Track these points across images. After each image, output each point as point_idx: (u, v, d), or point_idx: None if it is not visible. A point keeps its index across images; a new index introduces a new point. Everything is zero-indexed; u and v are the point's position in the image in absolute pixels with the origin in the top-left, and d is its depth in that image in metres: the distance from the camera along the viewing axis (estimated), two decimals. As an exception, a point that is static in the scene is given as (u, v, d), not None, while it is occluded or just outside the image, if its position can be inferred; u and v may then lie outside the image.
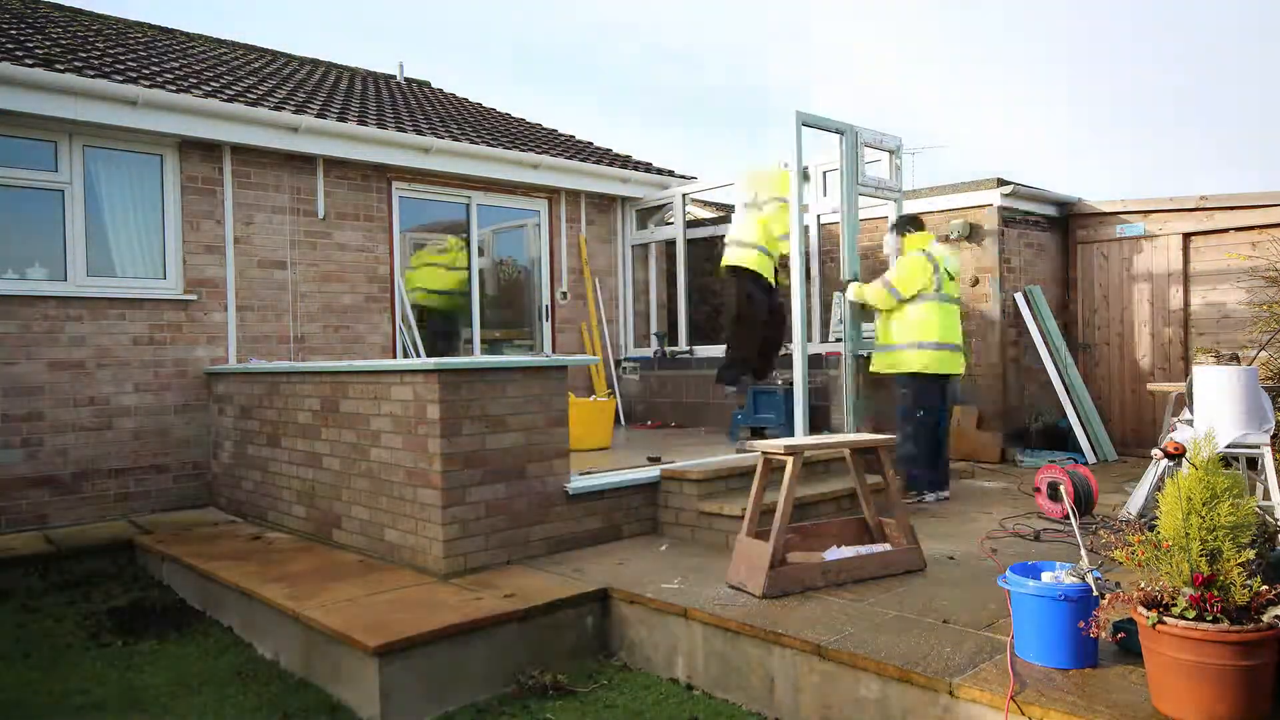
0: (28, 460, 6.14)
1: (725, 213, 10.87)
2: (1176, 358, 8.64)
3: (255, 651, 4.38)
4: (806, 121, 6.22)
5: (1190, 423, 5.36)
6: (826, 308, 8.90)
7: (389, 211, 8.01)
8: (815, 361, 7.02)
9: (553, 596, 4.07)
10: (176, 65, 7.83)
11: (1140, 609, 2.69)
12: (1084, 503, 5.36)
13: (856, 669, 3.22)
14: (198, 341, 6.87)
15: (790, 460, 4.14)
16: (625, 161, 9.99)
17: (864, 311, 6.65)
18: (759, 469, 4.32)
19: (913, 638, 3.36)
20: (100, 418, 6.43)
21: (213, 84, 7.42)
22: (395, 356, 7.93)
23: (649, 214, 9.83)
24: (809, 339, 6.85)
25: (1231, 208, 8.27)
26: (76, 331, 6.35)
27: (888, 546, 4.43)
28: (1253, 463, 5.39)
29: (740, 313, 7.15)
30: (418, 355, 8.05)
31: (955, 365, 6.27)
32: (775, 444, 4.35)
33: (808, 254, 7.33)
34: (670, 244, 9.56)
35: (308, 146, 7.27)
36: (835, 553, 4.31)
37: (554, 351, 9.15)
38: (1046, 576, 3.16)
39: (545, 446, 4.90)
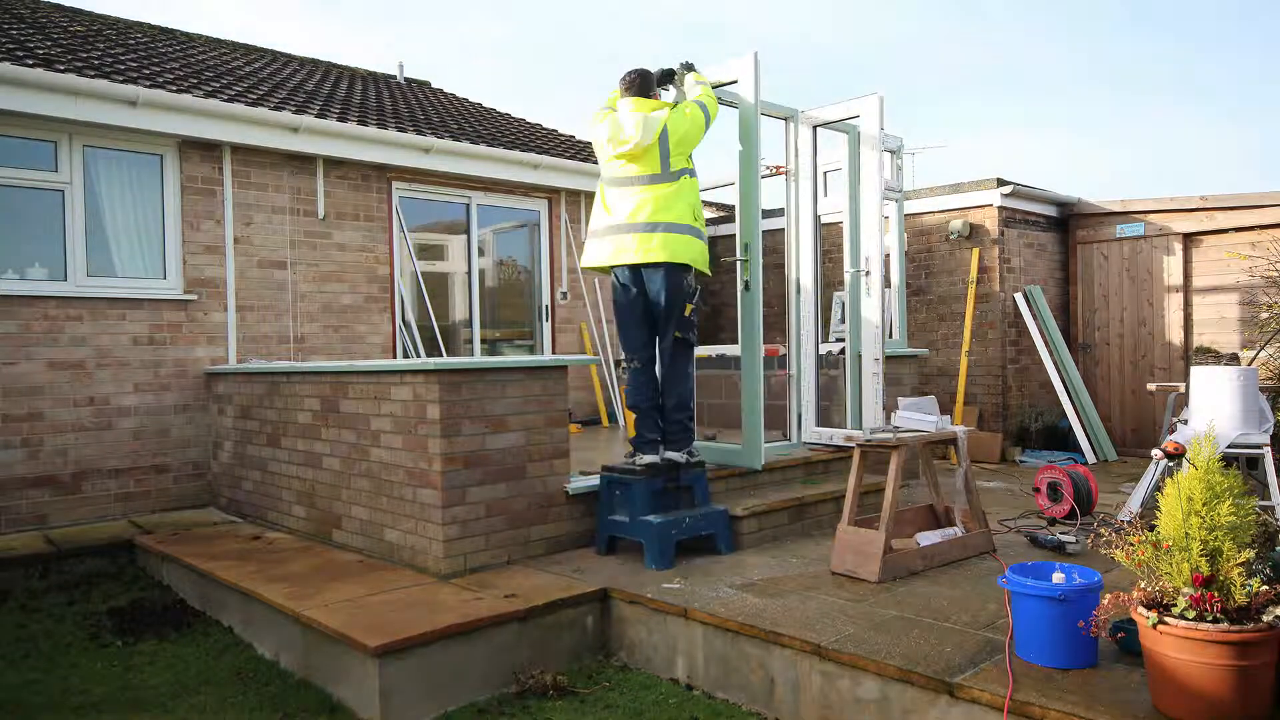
0: (28, 460, 6.14)
1: (727, 212, 10.88)
2: (1176, 358, 8.64)
3: (255, 651, 4.38)
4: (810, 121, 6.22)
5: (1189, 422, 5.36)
6: (826, 308, 8.91)
7: (389, 211, 8.01)
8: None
9: (553, 596, 4.07)
10: (177, 65, 7.83)
11: (1140, 609, 2.69)
12: (1084, 503, 5.37)
13: (856, 669, 3.22)
14: (198, 341, 6.87)
15: (895, 453, 4.39)
16: (625, 161, 9.98)
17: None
18: (855, 461, 4.52)
19: (912, 637, 3.36)
20: (100, 418, 6.43)
21: (213, 84, 7.42)
22: (395, 356, 7.93)
23: (649, 214, 9.82)
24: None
25: (1232, 208, 8.28)
26: (76, 331, 6.35)
27: (959, 530, 4.65)
28: (1253, 463, 5.40)
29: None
30: (418, 355, 8.05)
31: (624, 254, 4.74)
32: (880, 436, 4.51)
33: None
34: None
35: (308, 146, 7.27)
36: (926, 538, 4.52)
37: (554, 351, 9.15)
38: (1056, 577, 3.16)
39: (545, 446, 4.90)
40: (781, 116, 6.09)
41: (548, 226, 9.32)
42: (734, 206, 5.44)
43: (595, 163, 9.39)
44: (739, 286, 5.24)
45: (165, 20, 14.53)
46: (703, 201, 11.43)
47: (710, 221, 10.45)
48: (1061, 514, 5.39)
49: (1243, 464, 5.39)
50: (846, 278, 6.25)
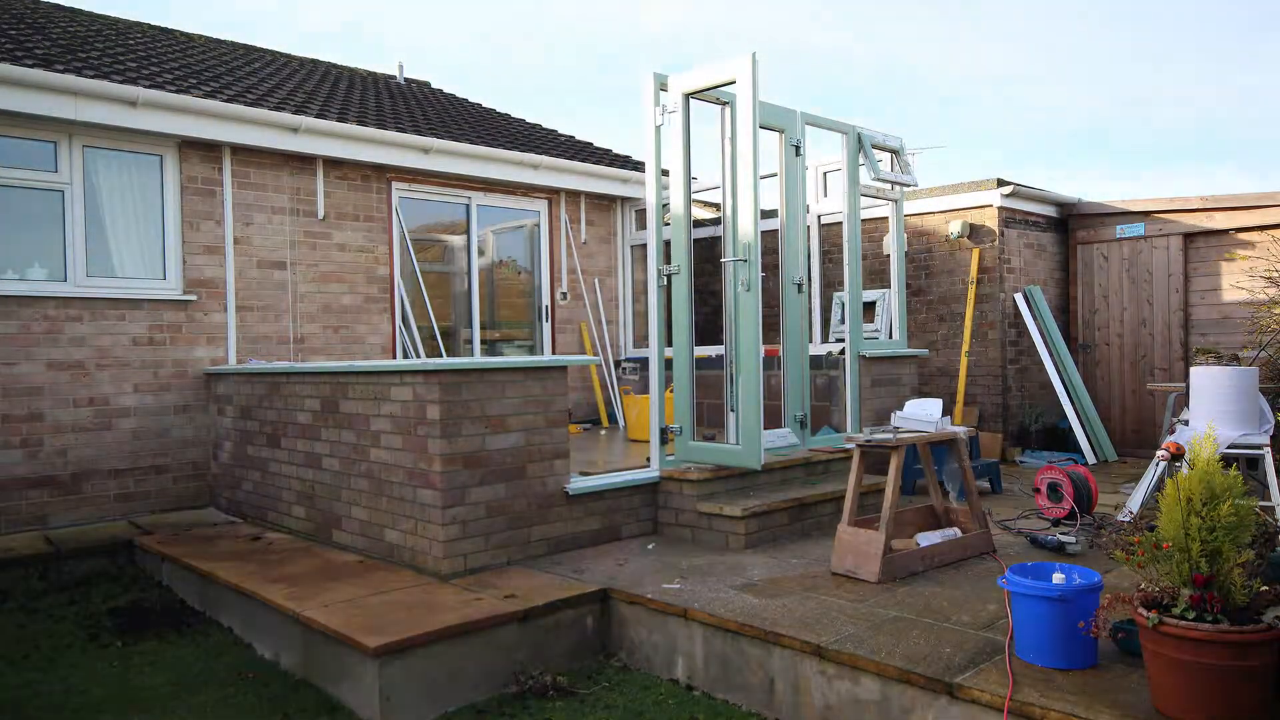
0: (28, 460, 6.14)
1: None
2: (1176, 358, 8.64)
3: (255, 652, 4.38)
4: (810, 121, 6.22)
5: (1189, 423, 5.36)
6: (826, 308, 8.91)
7: (389, 211, 8.01)
8: (815, 362, 7.02)
9: (553, 597, 4.07)
10: (176, 65, 7.84)
11: (1140, 609, 2.69)
12: (1084, 503, 5.36)
13: (856, 669, 3.22)
14: (197, 342, 6.87)
15: (895, 453, 4.38)
16: (625, 161, 9.99)
17: (865, 310, 6.64)
18: (855, 460, 4.52)
19: (912, 638, 3.36)
20: (100, 418, 6.43)
21: (212, 84, 7.42)
22: (395, 357, 7.93)
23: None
24: (810, 339, 6.84)
25: (1232, 208, 8.27)
26: (76, 332, 6.34)
27: (958, 531, 4.66)
28: (1253, 463, 5.40)
29: None
30: (418, 355, 8.05)
31: None
32: (881, 436, 4.48)
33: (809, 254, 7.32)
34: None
35: (307, 147, 7.27)
36: (926, 538, 4.53)
37: (554, 352, 9.15)
38: (1056, 578, 3.17)
39: (545, 447, 4.90)
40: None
41: (548, 226, 9.32)
42: (730, 207, 5.42)
43: (595, 163, 9.39)
44: (737, 287, 5.23)
45: (165, 20, 14.55)
46: (701, 202, 11.52)
47: (711, 222, 10.45)
48: (1061, 514, 5.38)
49: (1243, 464, 5.39)
50: (725, 268, 5.48)
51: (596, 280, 9.62)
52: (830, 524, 5.25)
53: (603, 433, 8.62)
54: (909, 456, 6.15)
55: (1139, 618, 2.68)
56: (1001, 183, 8.65)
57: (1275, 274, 7.47)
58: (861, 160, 6.77)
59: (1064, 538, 4.76)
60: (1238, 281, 8.21)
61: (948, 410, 8.81)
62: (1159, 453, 5.24)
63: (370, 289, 7.84)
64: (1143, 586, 2.79)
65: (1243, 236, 8.25)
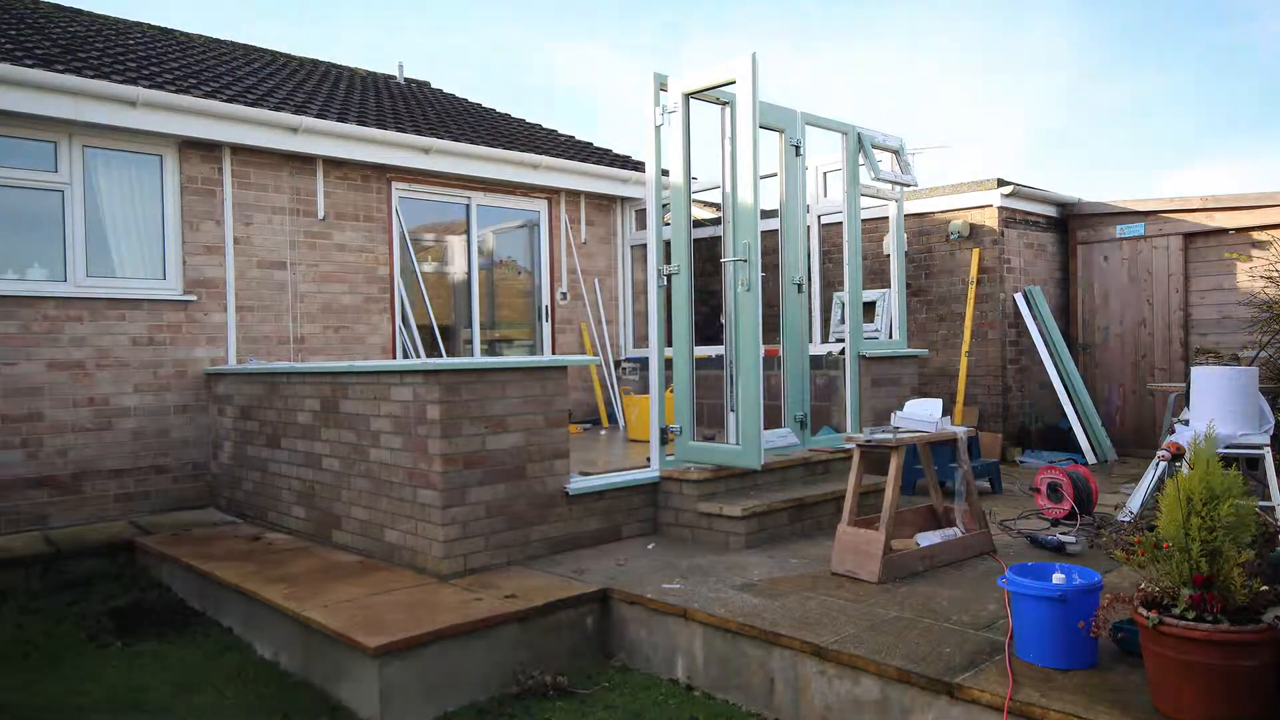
0: (27, 461, 6.14)
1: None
2: (1176, 358, 8.64)
3: (255, 652, 4.38)
4: (810, 121, 6.22)
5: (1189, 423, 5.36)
6: (826, 308, 8.91)
7: (389, 212, 8.01)
8: (815, 362, 7.02)
9: (553, 597, 4.07)
10: (176, 65, 7.84)
11: (1140, 609, 2.69)
12: (1084, 503, 5.36)
13: (856, 669, 3.22)
14: (197, 342, 6.87)
15: (895, 453, 4.39)
16: (625, 162, 9.99)
17: (865, 310, 6.63)
18: (855, 460, 4.52)
19: (912, 638, 3.36)
20: (100, 418, 6.43)
21: (212, 84, 7.42)
22: (395, 357, 7.93)
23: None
24: (810, 339, 6.84)
25: (1232, 208, 8.27)
26: (76, 332, 6.35)
27: (958, 531, 4.65)
28: (1253, 463, 5.40)
29: None
30: (417, 355, 8.05)
31: None
32: (880, 437, 4.48)
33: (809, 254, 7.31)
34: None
35: (307, 147, 7.27)
36: (926, 538, 4.53)
37: (554, 351, 9.15)
38: (1056, 578, 3.17)
39: (545, 447, 4.90)
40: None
41: (548, 226, 9.32)
42: (729, 207, 5.42)
43: (595, 163, 9.38)
44: (737, 287, 5.23)
45: (165, 21, 14.54)
46: (701, 202, 11.49)
47: (710, 222, 10.45)
48: (1061, 514, 5.38)
49: (1243, 464, 5.39)
50: (726, 268, 5.48)
51: (596, 280, 9.62)
52: (830, 524, 5.25)
53: (603, 433, 8.62)
54: (909, 456, 6.15)
55: (1139, 618, 2.68)
56: (1001, 182, 8.66)
57: (1276, 274, 7.47)
58: (861, 160, 6.76)
59: (1064, 538, 4.76)
60: (1238, 281, 8.21)
61: (948, 410, 8.80)
62: (1159, 453, 5.24)
63: (370, 289, 7.84)
64: (1143, 586, 2.79)
65: (1243, 236, 8.25)
